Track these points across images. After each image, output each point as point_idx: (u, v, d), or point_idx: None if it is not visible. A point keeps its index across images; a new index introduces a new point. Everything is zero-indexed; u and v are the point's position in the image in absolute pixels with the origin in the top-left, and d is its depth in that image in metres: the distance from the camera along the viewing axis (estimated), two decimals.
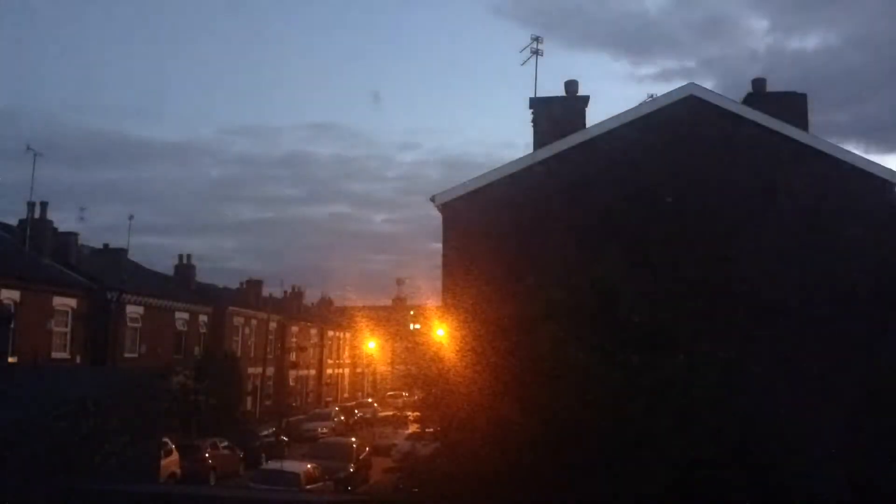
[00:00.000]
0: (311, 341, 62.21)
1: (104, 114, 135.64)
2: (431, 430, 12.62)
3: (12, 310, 23.34)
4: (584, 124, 15.15)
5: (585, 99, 15.85)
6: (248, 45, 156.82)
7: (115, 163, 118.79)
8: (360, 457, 30.04)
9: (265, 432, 36.20)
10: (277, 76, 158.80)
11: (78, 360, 30.83)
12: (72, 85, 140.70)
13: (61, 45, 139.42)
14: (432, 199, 14.31)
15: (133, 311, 35.36)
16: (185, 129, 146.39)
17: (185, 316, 40.85)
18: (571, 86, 15.88)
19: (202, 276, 49.09)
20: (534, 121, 16.09)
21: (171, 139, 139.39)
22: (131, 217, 68.93)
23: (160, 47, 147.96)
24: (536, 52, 17.45)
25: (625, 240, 13.30)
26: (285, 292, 65.41)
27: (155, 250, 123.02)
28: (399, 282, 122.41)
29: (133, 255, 41.56)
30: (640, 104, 14.51)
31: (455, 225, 14.15)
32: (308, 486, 23.02)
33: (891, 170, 13.54)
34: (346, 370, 73.35)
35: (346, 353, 73.52)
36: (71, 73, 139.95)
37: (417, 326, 20.19)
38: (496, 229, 13.98)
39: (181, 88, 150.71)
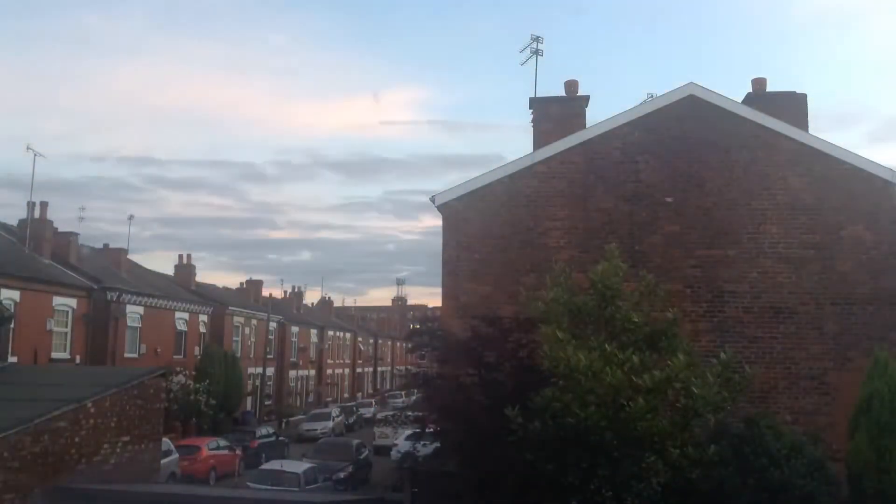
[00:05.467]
0: (312, 341, 62.19)
1: None
2: (431, 430, 12.61)
3: (12, 310, 23.30)
4: (584, 124, 15.15)
5: (585, 99, 15.85)
6: None
7: None
8: (360, 457, 30.02)
9: (265, 432, 36.15)
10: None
11: (78, 360, 30.82)
12: None
13: None
14: (432, 200, 14.30)
15: (133, 311, 35.34)
16: None
17: (185, 316, 40.82)
18: (571, 86, 15.87)
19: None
20: (534, 121, 16.08)
21: None
22: (131, 217, 69.15)
23: None
24: (536, 52, 17.46)
25: (625, 240, 13.32)
26: (285, 292, 65.56)
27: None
28: (399, 282, 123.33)
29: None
30: (640, 104, 14.52)
31: (455, 225, 14.15)
32: (308, 486, 23.01)
33: (891, 170, 13.54)
34: (346, 370, 73.32)
35: (346, 353, 73.48)
36: None
37: (417, 326, 20.19)
38: (496, 229, 13.99)
39: None
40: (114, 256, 38.87)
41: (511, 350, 11.60)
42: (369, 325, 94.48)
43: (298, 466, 24.87)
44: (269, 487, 21.53)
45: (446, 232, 14.22)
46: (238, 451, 30.59)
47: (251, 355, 48.56)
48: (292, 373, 57.11)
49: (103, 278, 33.69)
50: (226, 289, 55.05)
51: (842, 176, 13.53)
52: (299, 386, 59.16)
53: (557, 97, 15.93)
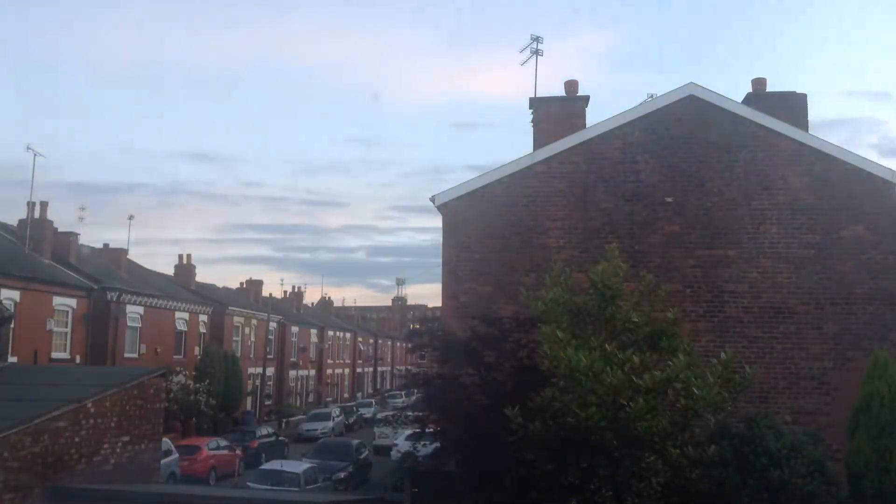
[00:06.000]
0: (312, 341, 62.20)
1: None
2: (431, 430, 12.60)
3: (12, 310, 23.29)
4: (584, 124, 15.14)
5: (585, 99, 15.84)
6: None
7: None
8: (360, 457, 30.04)
9: (265, 432, 36.17)
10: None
11: (78, 360, 30.83)
12: None
13: None
14: (432, 200, 14.30)
15: (133, 311, 35.34)
16: None
17: (185, 316, 40.83)
18: (571, 86, 15.87)
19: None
20: (533, 121, 16.08)
21: None
22: (131, 217, 69.16)
23: None
24: (536, 52, 17.46)
25: (625, 240, 13.32)
26: (285, 292, 65.58)
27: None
28: (399, 282, 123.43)
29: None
30: (640, 104, 14.52)
31: (455, 225, 14.15)
32: (308, 486, 23.02)
33: (891, 170, 13.54)
34: (346, 370, 73.34)
35: (347, 353, 73.50)
36: None
37: (417, 326, 20.19)
38: (496, 229, 13.98)
39: None
40: (114, 256, 38.87)
41: (511, 350, 11.60)
42: (369, 325, 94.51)
43: (298, 466, 24.91)
44: (269, 487, 21.55)
45: (446, 232, 14.21)
46: (238, 451, 30.61)
47: (251, 355, 48.57)
48: (292, 373, 57.13)
49: (103, 278, 33.70)
50: (226, 288, 55.07)
51: (842, 176, 13.53)
52: (299, 386, 59.18)
53: (557, 97, 15.92)
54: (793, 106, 15.08)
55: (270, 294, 58.67)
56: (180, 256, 47.27)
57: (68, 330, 30.89)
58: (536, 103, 16.10)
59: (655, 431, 9.17)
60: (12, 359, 21.21)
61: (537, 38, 17.46)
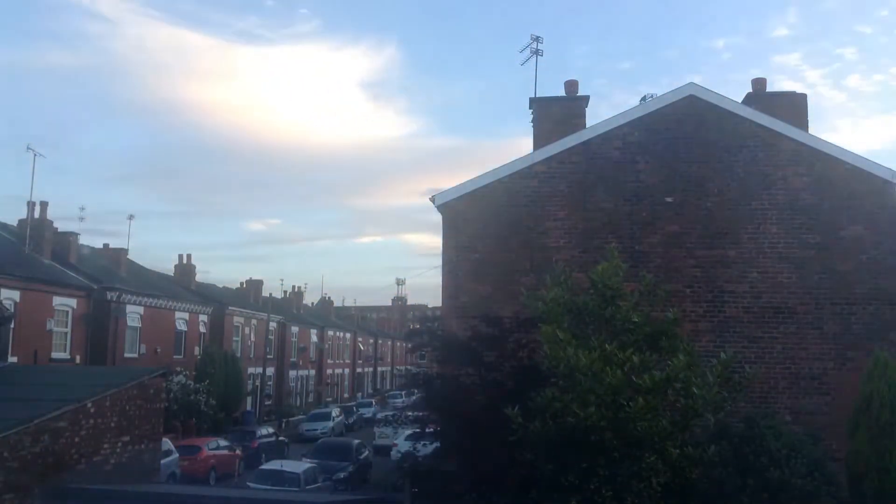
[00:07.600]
0: (312, 341, 62.20)
1: None
2: (431, 430, 12.60)
3: (12, 310, 23.29)
4: (584, 124, 15.14)
5: (585, 99, 15.85)
6: None
7: None
8: (360, 457, 30.03)
9: (265, 432, 36.17)
10: None
11: (78, 360, 30.83)
12: None
13: None
14: (432, 200, 14.30)
15: (133, 311, 35.35)
16: None
17: (185, 316, 40.84)
18: (571, 86, 15.88)
19: None
20: (533, 121, 16.09)
21: None
22: (131, 217, 69.16)
23: None
24: (536, 52, 17.46)
25: (625, 240, 13.33)
26: (285, 292, 65.56)
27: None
28: (399, 282, 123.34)
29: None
30: (640, 104, 14.53)
31: (455, 225, 14.14)
32: (308, 486, 23.02)
33: (891, 170, 13.54)
34: (346, 370, 73.34)
35: (346, 353, 73.50)
36: None
37: (417, 326, 20.19)
38: (496, 229, 13.98)
39: None
40: (114, 256, 38.88)
41: (511, 350, 11.60)
42: (369, 325, 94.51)
43: (298, 466, 24.89)
44: (269, 487, 21.55)
45: (446, 232, 14.21)
46: (238, 451, 30.60)
47: (251, 355, 48.57)
48: (292, 373, 57.13)
49: (103, 278, 33.71)
50: (226, 288, 55.10)
51: (842, 176, 13.53)
52: (299, 386, 59.19)
53: (557, 97, 15.93)
54: (793, 106, 15.09)
55: (270, 294, 58.74)
56: (180, 256, 47.30)
57: (68, 330, 30.89)
58: (536, 103, 16.10)
59: (655, 431, 9.16)
60: (12, 359, 21.22)
61: (537, 37, 17.49)
